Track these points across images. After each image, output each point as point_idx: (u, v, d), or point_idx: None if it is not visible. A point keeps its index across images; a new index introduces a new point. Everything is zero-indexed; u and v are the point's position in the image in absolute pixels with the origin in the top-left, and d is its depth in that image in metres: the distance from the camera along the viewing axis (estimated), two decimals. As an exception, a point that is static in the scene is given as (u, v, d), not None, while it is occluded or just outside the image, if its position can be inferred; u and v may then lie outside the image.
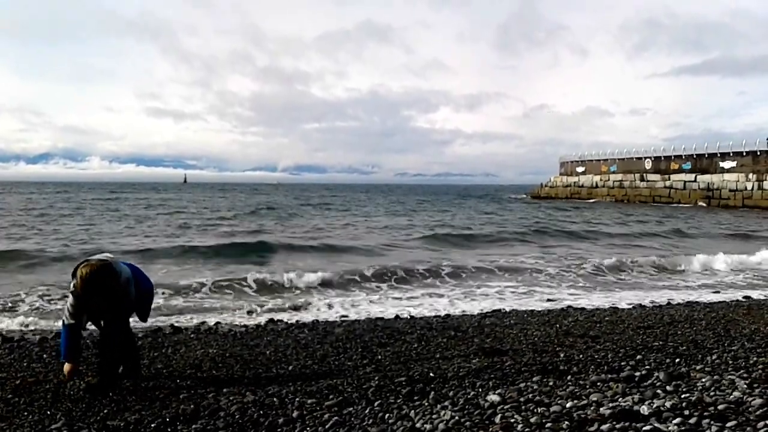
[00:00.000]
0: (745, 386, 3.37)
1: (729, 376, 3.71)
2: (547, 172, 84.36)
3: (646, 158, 59.48)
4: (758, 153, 48.28)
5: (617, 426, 2.83)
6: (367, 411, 3.73)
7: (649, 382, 3.82)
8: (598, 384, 3.89)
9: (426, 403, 3.76)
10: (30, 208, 39.56)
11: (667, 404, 3.08)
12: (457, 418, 3.30)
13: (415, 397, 4.00)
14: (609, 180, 63.33)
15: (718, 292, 11.94)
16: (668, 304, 10.07)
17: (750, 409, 2.90)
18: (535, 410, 3.27)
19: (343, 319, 8.89)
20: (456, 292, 11.68)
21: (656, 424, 2.81)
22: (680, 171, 55.18)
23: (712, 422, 2.77)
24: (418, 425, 3.31)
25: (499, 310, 9.38)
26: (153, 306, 5.47)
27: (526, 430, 2.96)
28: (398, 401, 3.93)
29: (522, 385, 4.11)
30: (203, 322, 8.48)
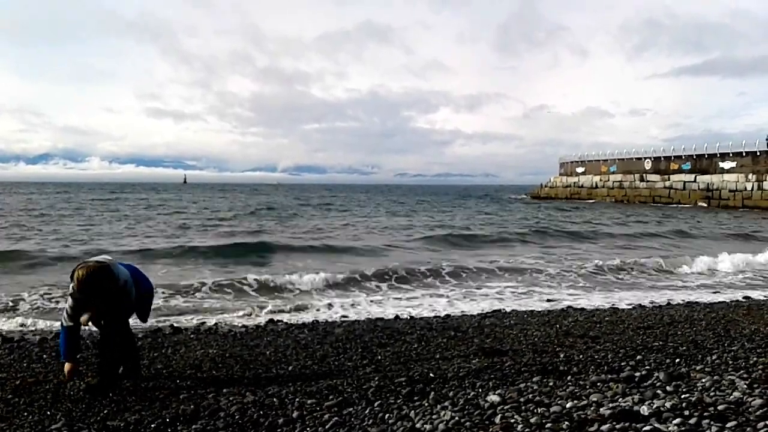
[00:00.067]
0: (745, 386, 3.37)
1: (729, 377, 3.71)
2: (547, 173, 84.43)
3: (645, 158, 59.47)
4: (758, 153, 48.27)
5: (617, 426, 2.83)
6: (367, 411, 3.73)
7: (649, 382, 3.82)
8: (598, 384, 3.89)
9: (426, 404, 3.76)
10: (30, 208, 39.55)
11: (667, 404, 3.08)
12: (457, 418, 3.30)
13: (415, 398, 4.00)
14: (609, 180, 63.33)
15: (718, 292, 11.94)
16: (668, 304, 10.07)
17: (750, 409, 2.90)
18: (535, 410, 3.27)
19: (343, 319, 8.89)
20: (456, 292, 11.68)
21: (656, 425, 2.81)
22: (680, 171, 55.17)
23: (712, 422, 2.76)
24: (418, 425, 3.31)
25: (499, 311, 9.38)
26: (153, 306, 5.48)
27: (526, 430, 2.96)
28: (398, 401, 3.93)
29: (522, 385, 4.11)
30: (203, 323, 8.48)
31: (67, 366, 4.59)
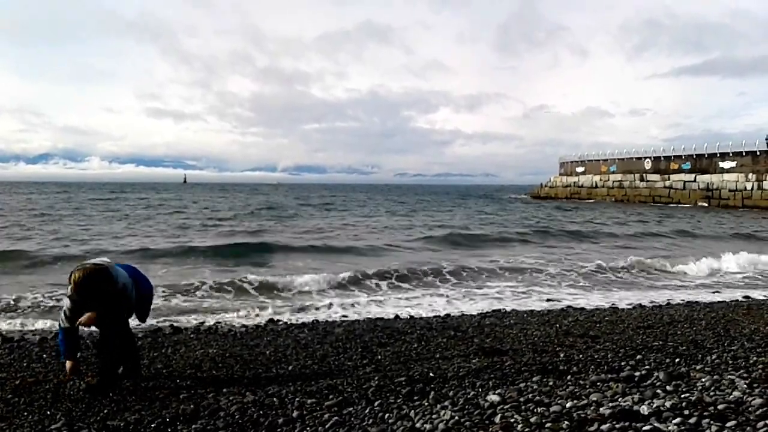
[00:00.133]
0: (745, 386, 3.37)
1: (729, 376, 3.71)
2: (547, 173, 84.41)
3: (645, 158, 59.47)
4: (758, 153, 48.28)
5: (617, 426, 2.83)
6: (367, 411, 3.73)
7: (649, 382, 3.82)
8: (598, 384, 3.89)
9: (426, 403, 3.76)
10: (30, 208, 39.54)
11: (667, 404, 3.08)
12: (457, 418, 3.30)
13: (415, 397, 4.00)
14: (609, 180, 63.33)
15: (718, 291, 11.94)
16: (668, 304, 10.08)
17: (750, 408, 2.90)
18: (535, 410, 3.27)
19: (343, 319, 8.89)
20: (456, 292, 11.68)
21: (656, 424, 2.81)
22: (680, 171, 55.18)
23: (712, 422, 2.76)
24: (418, 425, 3.31)
25: (499, 310, 9.38)
26: (153, 306, 5.47)
27: (526, 430, 2.96)
28: (398, 401, 3.93)
29: (522, 385, 4.11)
30: (203, 322, 8.49)
31: (68, 364, 4.60)
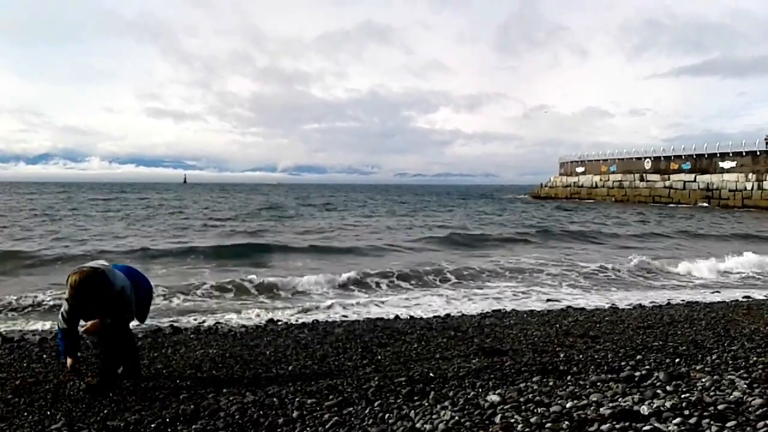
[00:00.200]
0: (745, 386, 3.37)
1: (729, 376, 3.71)
2: (547, 173, 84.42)
3: (645, 158, 59.49)
4: (758, 153, 48.29)
5: (617, 426, 2.83)
6: (367, 411, 3.73)
7: (649, 382, 3.82)
8: (598, 384, 3.89)
9: (426, 403, 3.76)
10: (30, 208, 39.55)
11: (667, 404, 3.08)
12: (457, 418, 3.30)
13: (415, 397, 4.00)
14: (609, 180, 63.34)
15: (718, 292, 11.94)
16: (668, 304, 10.07)
17: (750, 409, 2.90)
18: (535, 410, 3.27)
19: (343, 319, 8.89)
20: (456, 292, 11.68)
21: (656, 424, 2.81)
22: (680, 171, 55.19)
23: (712, 422, 2.76)
24: (418, 425, 3.31)
25: (499, 311, 9.38)
26: (153, 306, 5.47)
27: (526, 430, 2.96)
28: (398, 401, 3.92)
29: (522, 385, 4.11)
30: (203, 322, 8.48)
31: (69, 361, 4.58)
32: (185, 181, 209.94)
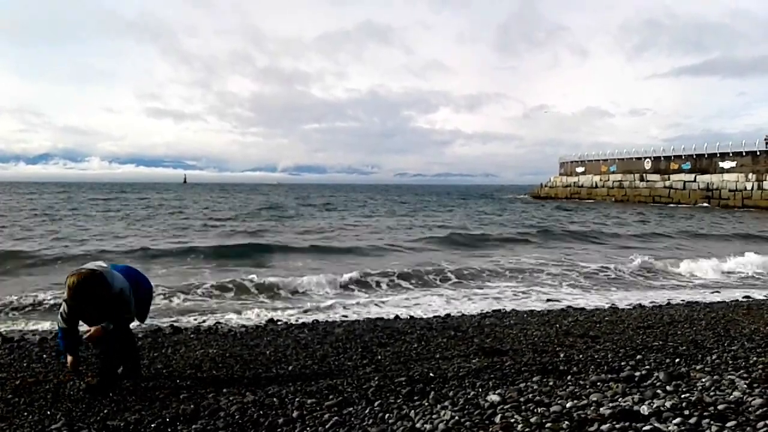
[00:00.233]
0: (745, 386, 3.37)
1: (729, 376, 3.71)
2: (547, 173, 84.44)
3: (645, 158, 59.49)
4: (758, 153, 48.30)
5: (617, 426, 2.83)
6: (367, 411, 3.73)
7: (649, 382, 3.82)
8: (598, 384, 3.89)
9: (426, 403, 3.76)
10: (30, 208, 39.55)
11: (667, 404, 3.08)
12: (457, 418, 3.30)
13: (415, 397, 4.00)
14: (609, 180, 63.34)
15: (718, 292, 11.94)
16: (668, 304, 10.07)
17: (750, 409, 2.90)
18: (535, 410, 3.27)
19: (343, 319, 8.89)
20: (456, 292, 11.68)
21: (656, 424, 2.81)
22: (680, 171, 55.19)
23: (712, 422, 2.76)
24: (418, 425, 3.31)
25: (499, 310, 9.38)
26: (153, 306, 5.46)
27: (526, 430, 2.96)
28: (398, 401, 3.92)
29: (522, 385, 4.11)
30: (203, 322, 8.48)
31: (69, 358, 4.57)
32: (185, 181, 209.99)
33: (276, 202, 57.31)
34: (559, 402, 3.40)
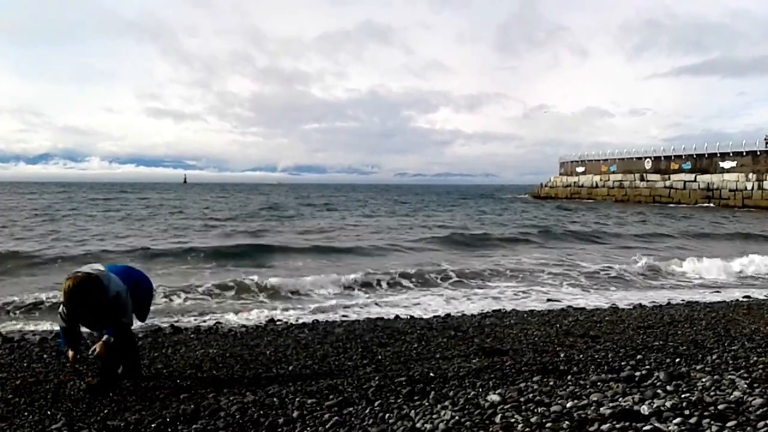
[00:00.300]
0: (746, 386, 3.37)
1: (729, 376, 3.71)
2: (547, 173, 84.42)
3: (646, 158, 59.48)
4: (758, 153, 48.29)
5: (617, 426, 2.83)
6: (367, 411, 3.73)
7: (650, 381, 3.82)
8: (599, 384, 3.88)
9: (426, 403, 3.76)
10: (30, 208, 39.55)
11: (668, 404, 3.08)
12: (457, 418, 3.30)
13: (416, 397, 4.00)
14: (609, 180, 63.33)
15: (718, 291, 11.94)
16: (668, 304, 10.07)
17: (750, 408, 2.90)
18: (536, 410, 3.27)
19: (343, 319, 8.89)
20: (456, 291, 11.68)
21: (656, 424, 2.80)
22: (680, 171, 55.19)
23: (712, 422, 2.76)
24: (418, 425, 3.30)
25: (500, 310, 9.38)
26: (153, 306, 5.45)
27: (527, 430, 2.96)
28: (398, 401, 3.92)
29: (522, 384, 4.11)
30: (203, 322, 8.49)
31: (70, 353, 4.55)
32: (185, 181, 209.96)
33: (276, 202, 57.30)
34: (559, 402, 3.40)
